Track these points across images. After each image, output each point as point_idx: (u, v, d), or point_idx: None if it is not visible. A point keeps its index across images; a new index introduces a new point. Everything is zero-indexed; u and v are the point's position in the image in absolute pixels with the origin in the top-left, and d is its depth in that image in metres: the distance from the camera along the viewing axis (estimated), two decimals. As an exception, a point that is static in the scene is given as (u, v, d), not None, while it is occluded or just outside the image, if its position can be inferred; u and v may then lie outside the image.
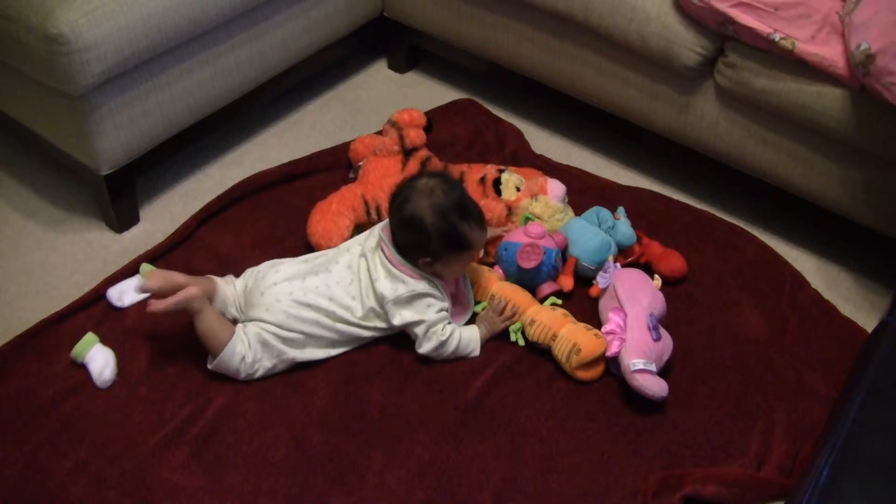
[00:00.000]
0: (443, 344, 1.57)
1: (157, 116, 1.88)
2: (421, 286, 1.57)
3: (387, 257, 1.57)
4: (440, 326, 1.57)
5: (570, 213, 1.89)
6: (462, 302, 1.69)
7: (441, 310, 1.58)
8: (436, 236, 1.52)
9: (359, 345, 1.62)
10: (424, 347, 1.58)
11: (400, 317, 1.57)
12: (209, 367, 1.54)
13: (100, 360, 1.57)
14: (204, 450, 1.46)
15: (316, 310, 1.55)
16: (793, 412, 1.58)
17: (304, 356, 1.56)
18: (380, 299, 1.57)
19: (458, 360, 1.61)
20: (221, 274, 1.69)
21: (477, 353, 1.61)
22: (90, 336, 1.61)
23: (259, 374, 1.55)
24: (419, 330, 1.57)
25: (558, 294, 1.75)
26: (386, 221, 1.63)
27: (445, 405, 1.55)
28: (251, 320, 1.56)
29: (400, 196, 1.57)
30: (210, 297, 1.58)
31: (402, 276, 1.56)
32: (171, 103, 1.89)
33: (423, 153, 1.93)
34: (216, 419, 1.50)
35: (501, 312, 1.64)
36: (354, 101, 2.33)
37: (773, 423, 1.56)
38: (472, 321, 1.69)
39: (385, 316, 1.58)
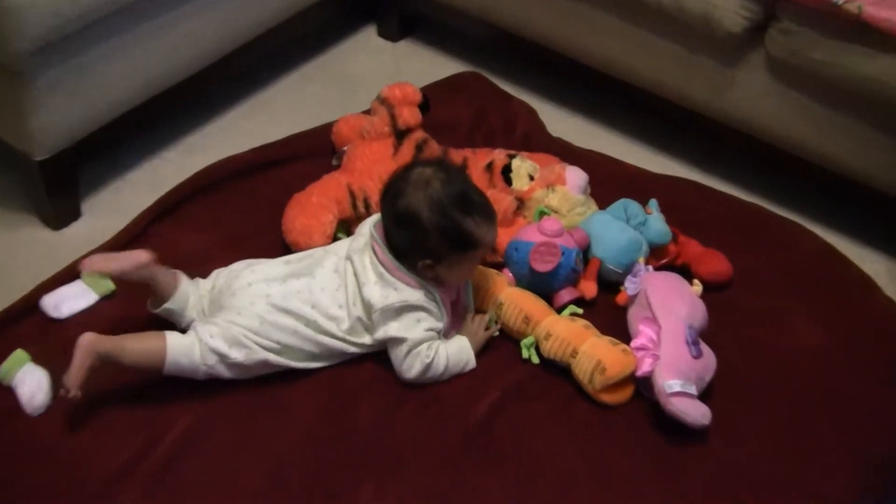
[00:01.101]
0: (429, 367, 1.58)
1: (103, 91, 1.87)
2: (416, 297, 1.57)
3: (380, 260, 1.58)
4: (424, 346, 1.57)
5: (593, 206, 1.90)
6: (461, 313, 1.70)
7: (431, 329, 1.59)
8: (435, 234, 1.53)
9: (342, 360, 1.63)
10: (409, 373, 1.58)
11: (384, 330, 1.58)
12: (163, 371, 1.53)
13: (30, 383, 1.55)
14: (163, 485, 1.46)
15: (296, 317, 1.56)
16: (860, 444, 1.58)
17: (278, 360, 1.57)
18: (367, 307, 1.57)
19: (457, 377, 1.62)
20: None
21: (473, 364, 1.63)
22: (19, 353, 1.59)
23: (223, 368, 1.55)
24: (400, 351, 1.58)
25: (579, 302, 1.75)
26: (376, 218, 1.64)
27: (446, 430, 1.56)
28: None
29: (392, 189, 1.58)
30: (165, 291, 1.59)
31: (396, 283, 1.57)
32: (121, 76, 1.89)
33: (419, 135, 1.94)
34: (179, 447, 1.50)
35: (480, 322, 1.66)
36: (338, 75, 2.33)
37: (836, 458, 1.55)
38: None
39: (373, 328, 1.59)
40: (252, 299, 1.56)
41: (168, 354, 1.51)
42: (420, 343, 1.57)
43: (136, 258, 1.56)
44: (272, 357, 1.56)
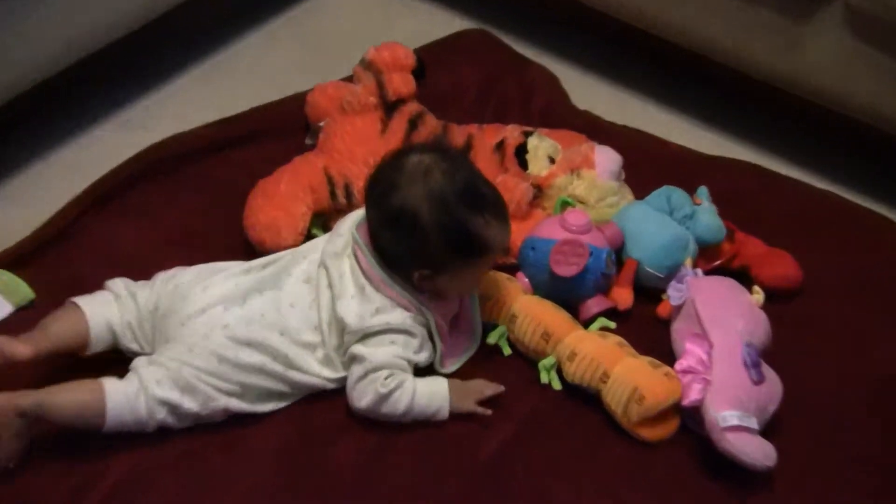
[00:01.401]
0: (384, 399, 1.56)
1: (16, 52, 1.86)
2: (399, 319, 1.58)
3: (363, 269, 1.59)
4: (383, 373, 1.56)
5: (629, 195, 1.90)
6: (464, 328, 1.70)
7: (401, 357, 1.59)
8: (437, 238, 1.54)
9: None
10: (359, 401, 1.58)
11: (350, 349, 1.59)
12: (103, 428, 1.52)
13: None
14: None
15: (262, 351, 1.57)
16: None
17: (241, 406, 1.58)
18: (340, 326, 1.58)
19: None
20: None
21: (444, 415, 1.61)
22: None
23: (174, 419, 1.55)
24: (355, 372, 1.58)
25: (610, 314, 1.76)
26: (359, 215, 1.64)
27: (446, 474, 1.56)
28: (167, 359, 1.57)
29: (382, 182, 1.58)
30: (77, 341, 1.58)
31: (380, 300, 1.58)
32: (38, 32, 1.88)
33: (413, 108, 1.94)
34: (113, 499, 1.49)
35: (487, 391, 1.62)
36: (314, 33, 2.33)
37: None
38: (472, 359, 1.69)
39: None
40: (206, 331, 1.56)
41: (108, 411, 1.50)
42: (380, 368, 1.57)
43: (10, 351, 1.50)
44: (233, 403, 1.57)
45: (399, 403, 1.57)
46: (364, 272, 1.58)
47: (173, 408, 1.53)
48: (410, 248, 1.56)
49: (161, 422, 1.53)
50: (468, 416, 1.61)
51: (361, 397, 1.57)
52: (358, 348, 1.57)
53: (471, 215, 1.55)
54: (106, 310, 1.60)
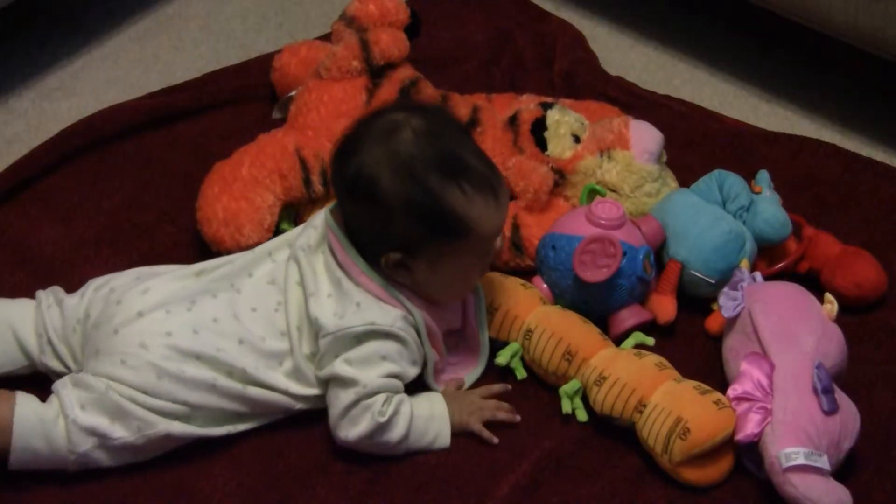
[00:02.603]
0: (380, 429, 1.57)
1: None
2: (387, 318, 1.58)
3: (338, 260, 1.60)
4: (380, 399, 1.57)
5: (672, 181, 1.92)
6: (469, 345, 1.72)
7: (394, 375, 1.59)
8: (401, 212, 1.55)
9: (284, 416, 1.64)
10: (349, 430, 1.57)
11: (330, 367, 1.58)
12: (10, 465, 1.53)
13: None
14: None
15: (212, 364, 1.57)
16: None
17: (187, 431, 1.58)
18: (314, 329, 1.59)
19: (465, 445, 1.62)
20: (33, 291, 1.68)
21: (444, 442, 1.63)
22: None
23: (104, 454, 1.55)
24: (345, 396, 1.57)
25: (648, 328, 1.75)
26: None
27: None
28: (94, 376, 1.56)
29: (345, 144, 1.60)
30: None
31: (360, 295, 1.59)
32: None
33: (406, 74, 1.95)
34: None
35: (491, 399, 1.66)
36: None
37: None
38: (480, 382, 1.70)
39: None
40: (143, 339, 1.56)
41: (15, 432, 1.50)
42: (376, 392, 1.57)
43: None
44: (176, 427, 1.56)
45: (394, 433, 1.58)
46: (340, 262, 1.59)
47: (102, 438, 1.52)
48: (372, 223, 1.57)
49: (86, 457, 1.53)
50: (474, 454, 1.61)
51: (352, 426, 1.57)
52: (343, 369, 1.56)
53: (444, 185, 1.55)
54: (15, 316, 1.62)
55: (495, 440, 1.63)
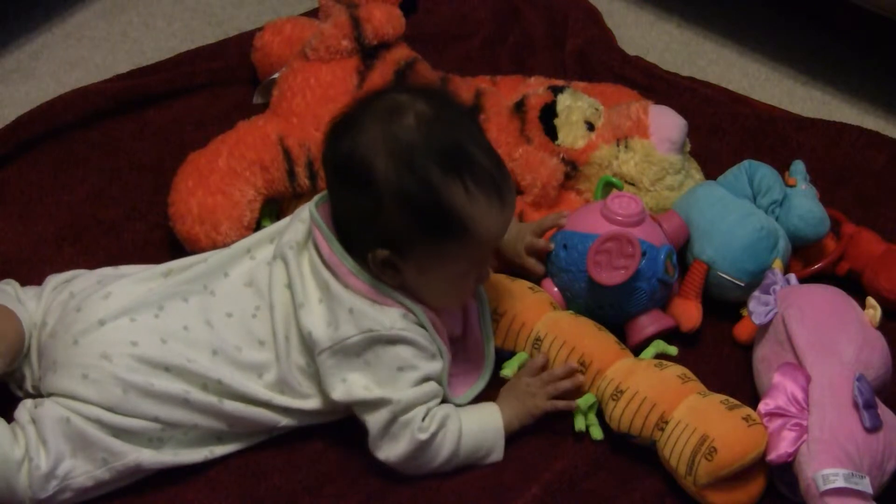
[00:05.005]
0: (424, 448, 1.58)
1: None
2: (388, 320, 1.57)
3: (324, 259, 1.59)
4: (420, 412, 1.57)
5: (696, 173, 1.92)
6: (472, 355, 1.71)
7: (425, 378, 1.59)
8: (394, 204, 1.53)
9: (268, 437, 1.64)
10: (390, 451, 1.58)
11: (343, 386, 1.57)
12: None
13: None
14: None
15: (183, 377, 1.57)
16: None
17: (159, 460, 1.57)
18: (308, 344, 1.58)
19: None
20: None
21: (498, 455, 1.64)
22: None
23: (69, 494, 1.54)
24: (379, 416, 1.57)
25: (670, 336, 1.75)
26: (326, 195, 1.65)
27: None
28: (49, 395, 1.57)
29: (339, 124, 1.58)
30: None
31: (349, 297, 1.57)
32: None
33: (401, 55, 1.96)
34: None
35: (542, 372, 1.67)
36: None
37: None
38: (485, 395, 1.69)
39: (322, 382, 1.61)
40: (106, 350, 1.54)
41: None
42: (413, 406, 1.57)
43: None
44: (146, 457, 1.56)
45: (441, 450, 1.59)
46: (326, 261, 1.58)
47: (63, 480, 1.52)
48: (361, 213, 1.55)
49: (43, 480, 1.51)
50: (479, 476, 1.61)
51: (392, 446, 1.57)
52: (363, 390, 1.56)
53: (445, 179, 1.52)
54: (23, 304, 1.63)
55: (574, 404, 1.65)
